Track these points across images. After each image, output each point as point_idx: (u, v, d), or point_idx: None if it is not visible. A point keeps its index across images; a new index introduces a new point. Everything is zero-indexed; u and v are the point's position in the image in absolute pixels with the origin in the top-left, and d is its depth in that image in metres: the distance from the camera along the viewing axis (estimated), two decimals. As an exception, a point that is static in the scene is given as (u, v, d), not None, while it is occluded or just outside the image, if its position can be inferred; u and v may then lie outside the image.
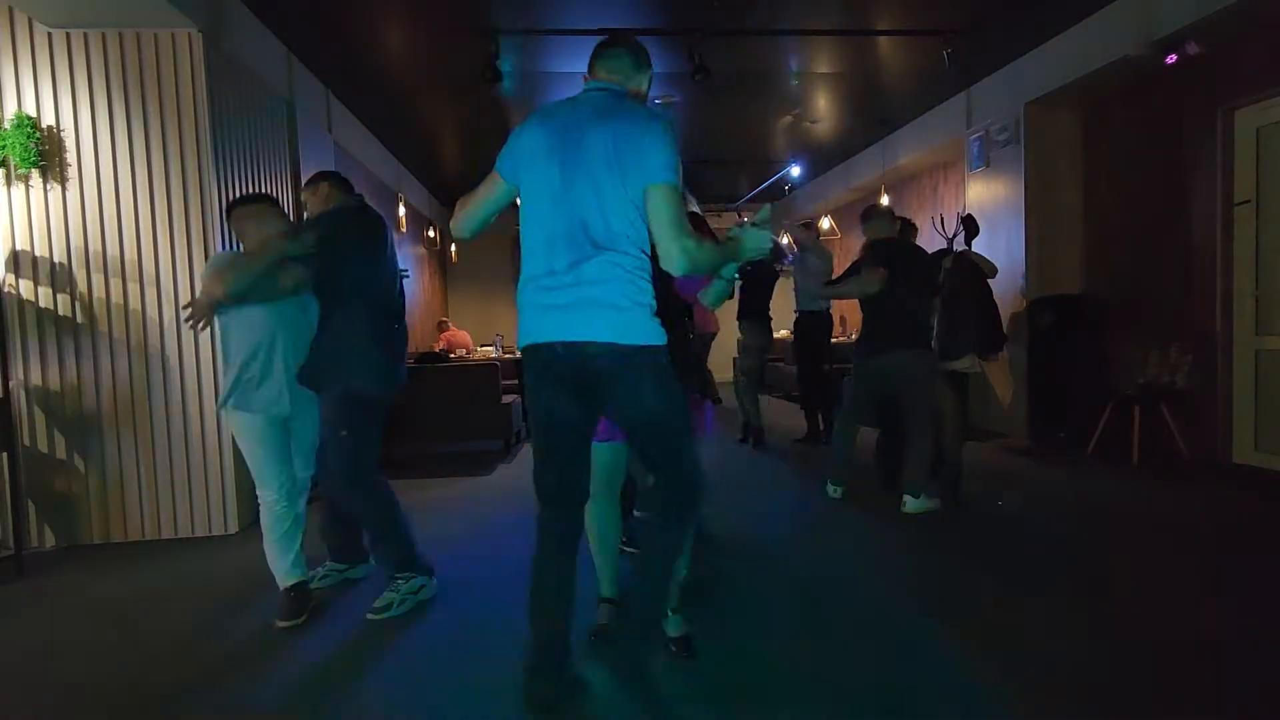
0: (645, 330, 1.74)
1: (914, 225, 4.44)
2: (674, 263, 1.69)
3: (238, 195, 2.88)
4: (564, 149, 1.73)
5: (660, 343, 1.76)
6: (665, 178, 1.68)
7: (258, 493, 2.57)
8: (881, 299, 3.63)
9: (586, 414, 1.85)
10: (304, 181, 2.91)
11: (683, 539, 1.93)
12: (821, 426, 5.64)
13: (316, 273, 2.49)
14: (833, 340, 5.83)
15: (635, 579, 1.97)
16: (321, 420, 2.60)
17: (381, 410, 2.62)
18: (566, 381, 1.77)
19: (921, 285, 3.71)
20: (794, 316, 5.68)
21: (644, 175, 1.69)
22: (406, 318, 2.85)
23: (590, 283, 1.71)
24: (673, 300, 2.15)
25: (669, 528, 1.87)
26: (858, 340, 3.90)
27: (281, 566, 2.55)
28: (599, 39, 1.90)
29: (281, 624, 2.48)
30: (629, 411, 1.79)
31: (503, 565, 3.09)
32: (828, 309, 5.62)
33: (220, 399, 2.56)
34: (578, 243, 1.71)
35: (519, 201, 1.84)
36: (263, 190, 4.19)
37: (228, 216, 2.72)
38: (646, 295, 1.75)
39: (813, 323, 5.55)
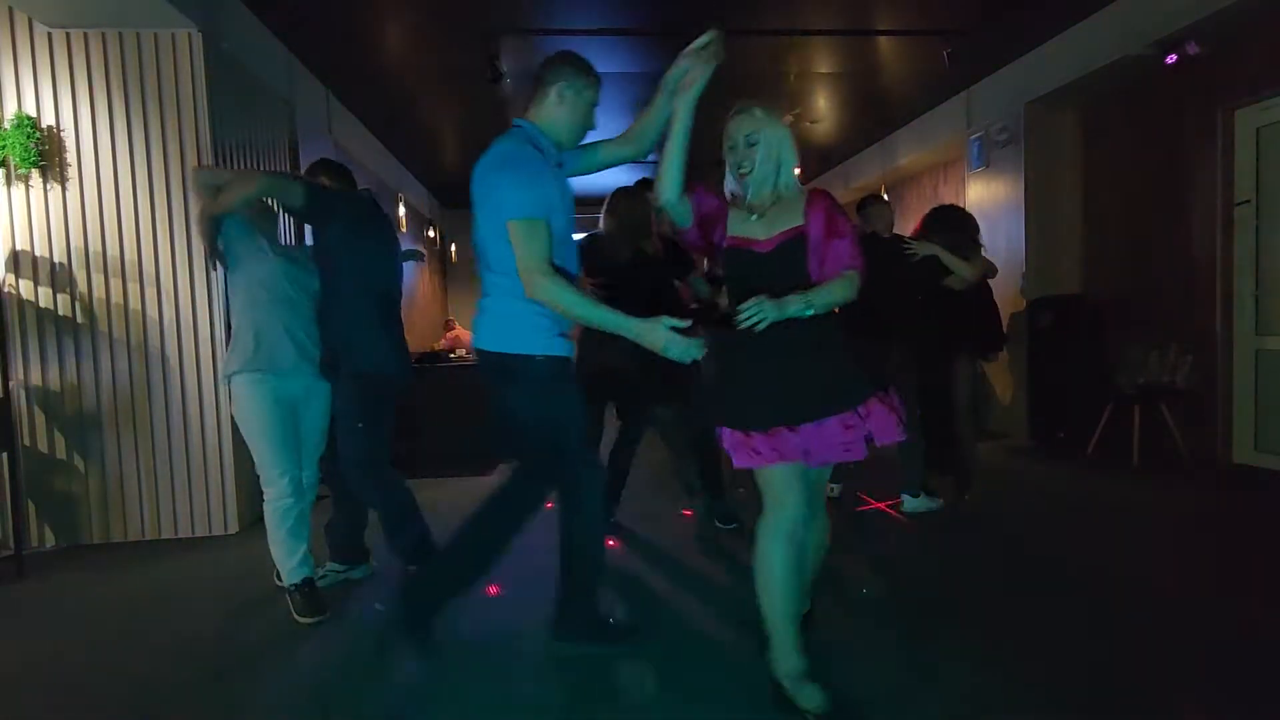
0: None
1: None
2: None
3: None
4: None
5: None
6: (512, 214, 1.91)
7: (263, 488, 2.57)
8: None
9: None
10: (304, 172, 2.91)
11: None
12: None
13: (318, 250, 2.61)
14: None
15: None
16: (334, 410, 2.63)
17: (392, 397, 2.66)
18: None
19: (902, 284, 3.55)
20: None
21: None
22: (405, 316, 2.89)
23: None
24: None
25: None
26: None
27: (289, 564, 2.54)
28: (599, 39, 1.93)
29: (304, 620, 2.48)
30: None
31: (502, 565, 3.08)
32: None
33: (225, 370, 2.59)
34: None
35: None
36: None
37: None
38: None
39: None
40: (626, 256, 3.22)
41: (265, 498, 2.56)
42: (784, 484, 1.74)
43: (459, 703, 1.95)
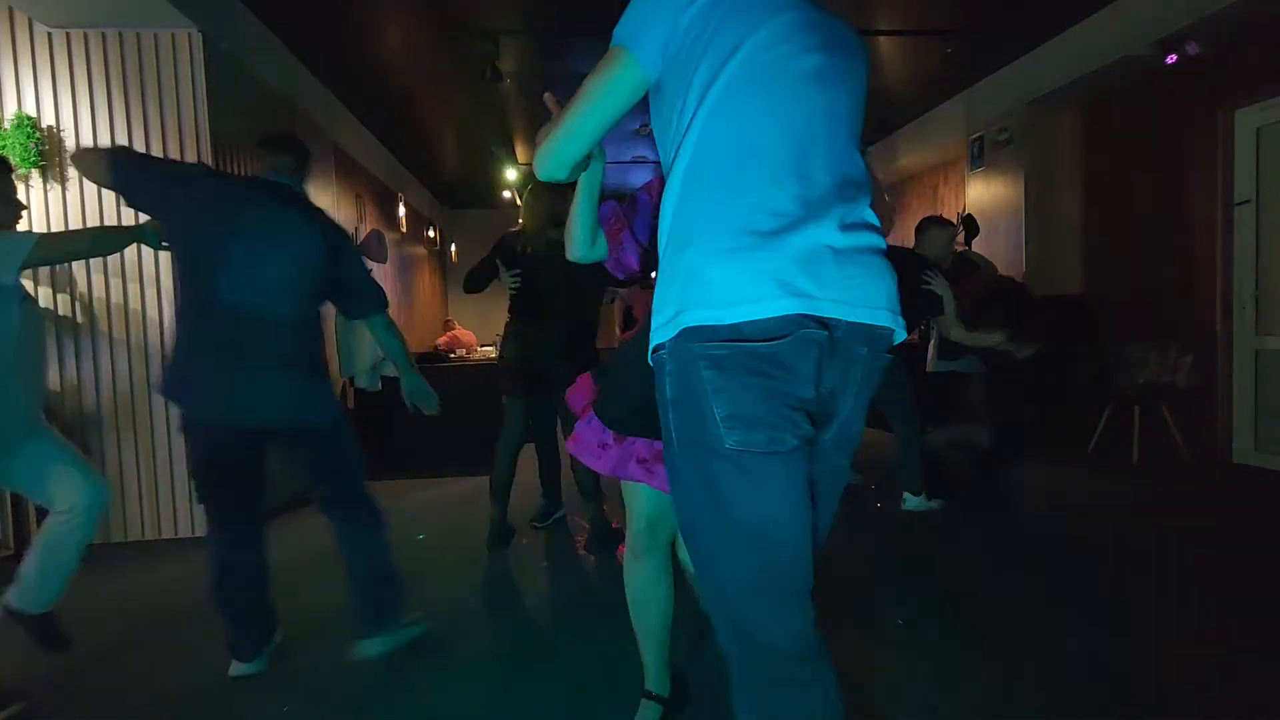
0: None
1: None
2: None
3: None
4: (830, 33, 1.12)
5: None
6: None
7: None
8: None
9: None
10: None
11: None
12: None
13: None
14: None
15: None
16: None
17: (217, 445, 2.05)
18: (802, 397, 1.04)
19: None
20: None
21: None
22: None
23: (875, 231, 1.10)
24: None
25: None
26: None
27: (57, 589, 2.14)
28: (599, 39, 1.84)
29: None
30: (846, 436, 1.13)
31: (501, 565, 3.09)
32: None
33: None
34: (849, 164, 1.11)
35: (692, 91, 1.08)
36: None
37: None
38: None
39: None
40: (538, 246, 3.32)
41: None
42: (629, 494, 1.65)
43: (455, 700, 1.95)
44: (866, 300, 1.04)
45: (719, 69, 1.04)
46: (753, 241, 1.00)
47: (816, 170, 1.05)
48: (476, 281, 3.47)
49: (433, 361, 5.96)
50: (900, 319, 1.09)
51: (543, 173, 1.14)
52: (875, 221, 1.10)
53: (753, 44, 1.04)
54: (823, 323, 1.01)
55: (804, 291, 0.99)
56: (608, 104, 1.09)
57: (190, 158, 3.55)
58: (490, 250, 3.45)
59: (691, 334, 1.01)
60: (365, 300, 2.25)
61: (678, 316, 1.03)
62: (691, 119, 1.06)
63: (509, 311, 3.45)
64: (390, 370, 5.18)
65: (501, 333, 3.55)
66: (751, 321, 0.98)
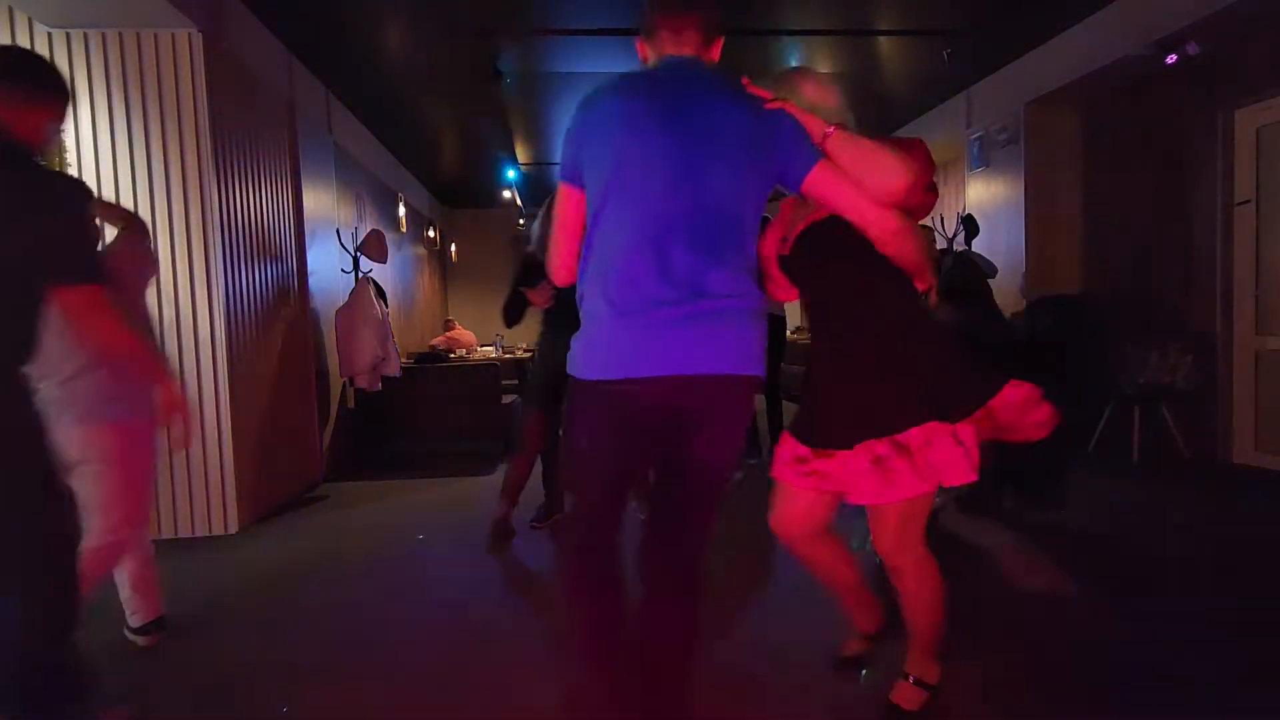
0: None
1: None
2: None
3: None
4: (698, 118, 1.38)
5: None
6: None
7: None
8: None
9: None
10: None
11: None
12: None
13: None
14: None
15: None
16: None
17: None
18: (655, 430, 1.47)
19: None
20: None
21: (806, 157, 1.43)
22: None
23: (723, 295, 1.40)
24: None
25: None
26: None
27: None
28: (599, 39, 1.83)
29: None
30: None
31: (502, 565, 3.09)
32: (783, 313, 5.23)
33: None
34: (713, 242, 1.39)
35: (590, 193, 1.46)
36: (262, 190, 4.19)
37: None
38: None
39: (775, 327, 5.12)
40: None
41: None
42: None
43: (452, 698, 1.95)
44: (711, 356, 1.36)
45: (599, 179, 1.40)
46: (618, 313, 1.36)
47: (676, 252, 1.36)
48: (512, 316, 3.31)
49: (432, 361, 5.95)
50: (750, 362, 1.41)
51: (558, 280, 1.57)
52: (730, 290, 1.39)
53: (618, 157, 1.38)
54: (672, 377, 1.35)
55: (654, 355, 1.35)
56: (568, 223, 1.51)
57: (190, 158, 3.55)
58: (516, 272, 3.29)
59: (577, 381, 1.46)
60: (51, 272, 1.59)
61: (572, 367, 1.47)
62: (589, 216, 1.43)
63: (542, 324, 3.32)
64: (391, 370, 5.20)
65: (535, 342, 3.36)
66: (608, 380, 1.38)
